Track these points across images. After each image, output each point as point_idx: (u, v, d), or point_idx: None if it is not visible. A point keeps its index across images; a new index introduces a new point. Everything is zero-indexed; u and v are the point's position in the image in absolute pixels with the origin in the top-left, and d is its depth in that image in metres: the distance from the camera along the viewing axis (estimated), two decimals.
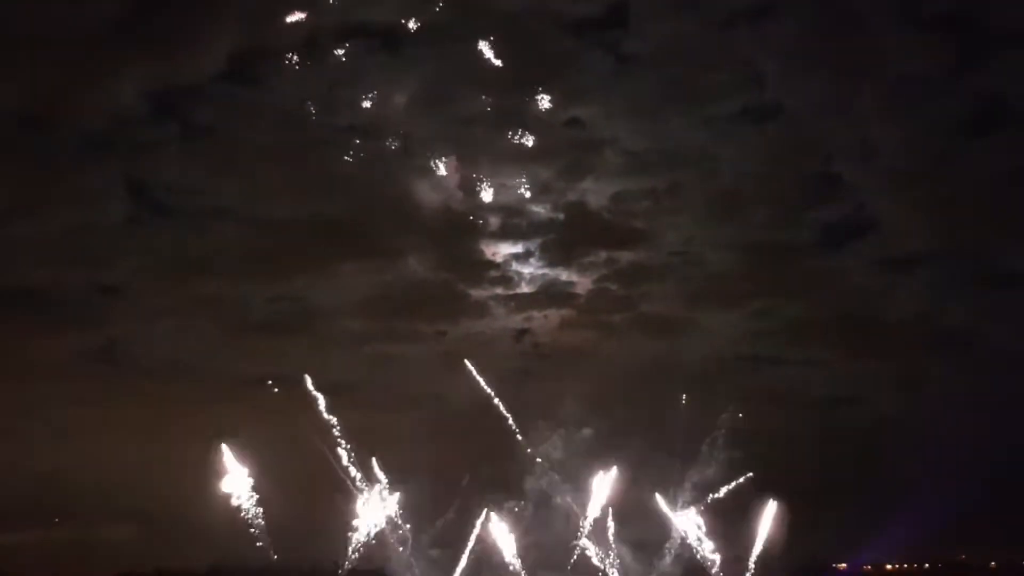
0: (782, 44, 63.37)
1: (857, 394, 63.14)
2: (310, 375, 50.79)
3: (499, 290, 63.80)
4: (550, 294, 64.63)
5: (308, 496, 52.49)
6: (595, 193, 65.33)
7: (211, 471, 48.31)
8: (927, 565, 64.28)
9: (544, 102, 59.61)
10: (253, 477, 48.77)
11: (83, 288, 62.52)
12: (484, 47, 57.81)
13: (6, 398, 55.43)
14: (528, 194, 63.47)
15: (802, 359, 67.16)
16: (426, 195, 62.73)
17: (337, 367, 60.90)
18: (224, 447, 47.47)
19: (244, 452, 48.84)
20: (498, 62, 58.13)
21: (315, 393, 50.33)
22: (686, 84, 65.14)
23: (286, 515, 50.44)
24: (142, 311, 60.61)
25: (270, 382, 52.51)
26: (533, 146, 62.75)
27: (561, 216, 65.32)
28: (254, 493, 48.54)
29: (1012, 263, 63.90)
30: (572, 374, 58.49)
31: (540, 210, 64.60)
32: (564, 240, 65.11)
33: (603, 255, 65.77)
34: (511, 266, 64.08)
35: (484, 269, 64.13)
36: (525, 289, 63.97)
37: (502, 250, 64.11)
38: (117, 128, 62.03)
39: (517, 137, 60.39)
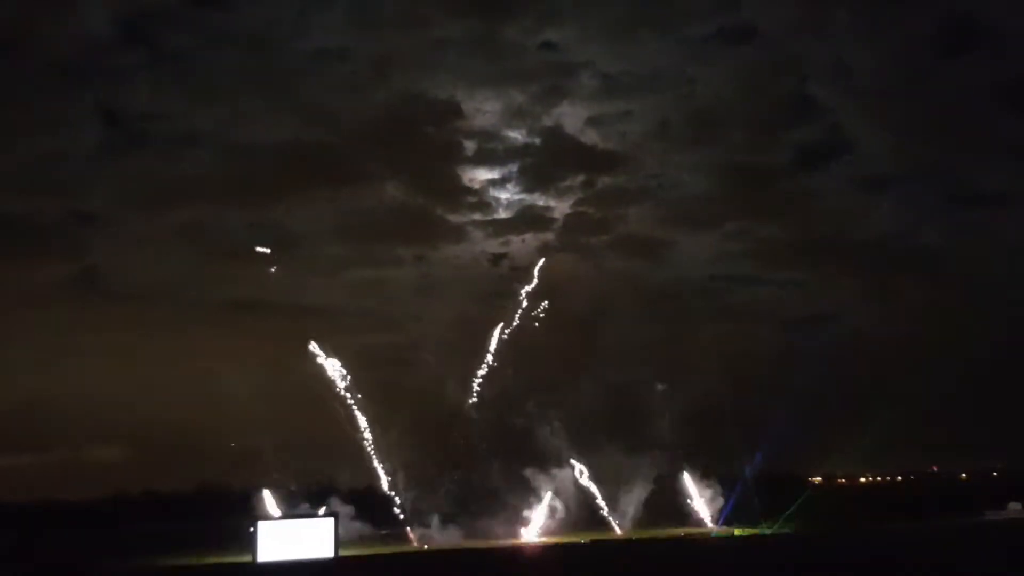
0: None
1: (831, 312, 64.02)
2: (290, 300, 51.12)
3: (477, 215, 63.91)
4: (527, 218, 64.99)
5: (290, 417, 53.28)
6: (571, 117, 65.37)
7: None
8: (899, 477, 66.10)
9: (518, 25, 59.06)
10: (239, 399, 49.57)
11: (59, 216, 62.53)
12: None
13: None
14: (503, 119, 63.42)
15: (777, 279, 67.91)
16: (401, 120, 62.48)
17: (317, 292, 61.35)
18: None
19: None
20: None
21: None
22: (661, 6, 64.78)
23: (270, 436, 51.29)
24: (119, 238, 60.70)
25: None
26: (507, 70, 62.34)
27: (537, 141, 65.39)
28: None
29: (984, 182, 64.49)
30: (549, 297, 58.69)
31: (516, 135, 64.57)
32: (541, 164, 65.19)
33: (580, 179, 65.99)
34: (488, 192, 64.20)
35: (461, 195, 64.26)
36: (502, 215, 64.22)
37: (479, 176, 64.17)
38: (86, 54, 61.46)
39: (491, 61, 59.92)
